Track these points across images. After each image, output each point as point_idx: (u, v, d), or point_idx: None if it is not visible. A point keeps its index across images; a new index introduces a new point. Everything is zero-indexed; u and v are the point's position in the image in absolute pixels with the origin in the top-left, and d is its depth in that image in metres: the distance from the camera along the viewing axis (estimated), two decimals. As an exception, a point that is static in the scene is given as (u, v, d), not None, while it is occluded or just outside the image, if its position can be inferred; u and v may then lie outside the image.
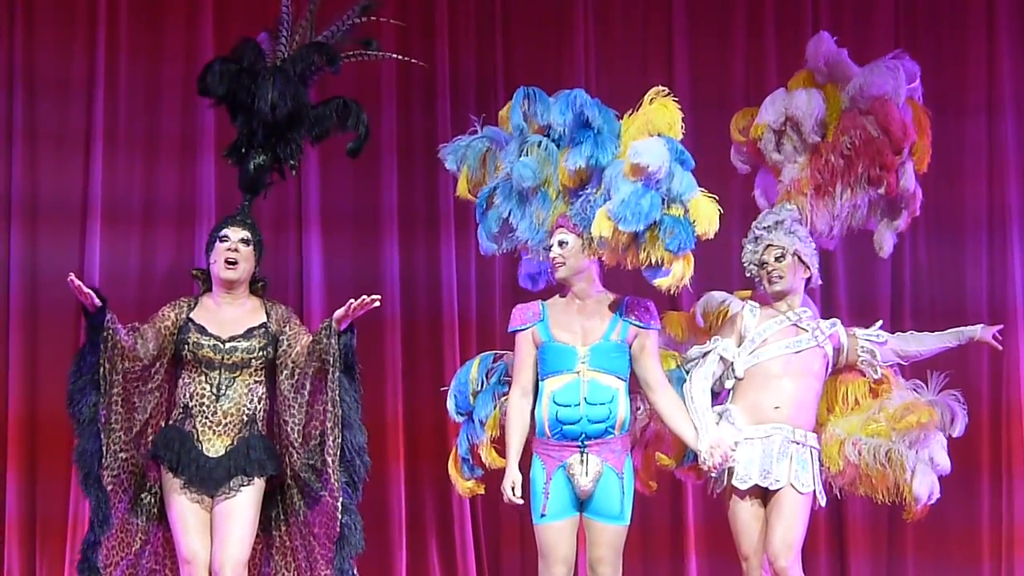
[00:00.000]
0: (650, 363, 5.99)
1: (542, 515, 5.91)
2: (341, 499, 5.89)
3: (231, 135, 6.39)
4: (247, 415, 5.99)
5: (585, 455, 5.87)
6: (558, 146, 6.00)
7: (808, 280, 6.29)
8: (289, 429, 5.98)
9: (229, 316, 6.06)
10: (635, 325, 5.97)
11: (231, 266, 6.05)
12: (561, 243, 5.97)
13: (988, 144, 8.36)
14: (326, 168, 8.02)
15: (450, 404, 6.27)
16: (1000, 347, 6.47)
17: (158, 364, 5.98)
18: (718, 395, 6.20)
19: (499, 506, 7.83)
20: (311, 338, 6.00)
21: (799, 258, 6.21)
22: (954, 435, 6.26)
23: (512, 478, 5.91)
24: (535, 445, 5.99)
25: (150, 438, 5.96)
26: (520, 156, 6.01)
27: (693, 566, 8.10)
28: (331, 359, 5.90)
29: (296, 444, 5.96)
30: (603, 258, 5.92)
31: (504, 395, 6.14)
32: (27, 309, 7.79)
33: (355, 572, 5.95)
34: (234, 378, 5.99)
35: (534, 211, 6.03)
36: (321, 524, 5.97)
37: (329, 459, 5.89)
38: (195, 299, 6.12)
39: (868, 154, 6.33)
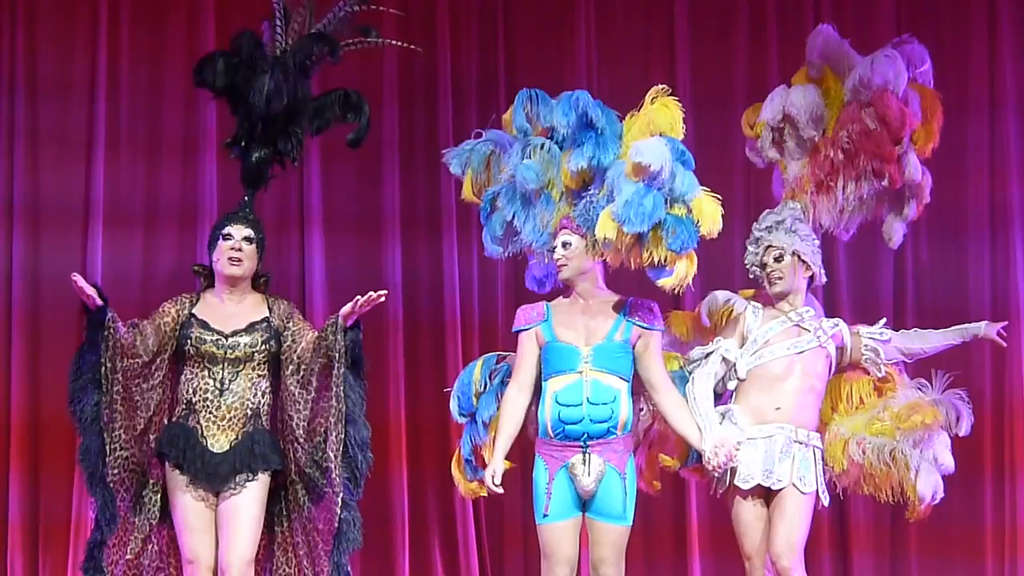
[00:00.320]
0: (654, 364, 5.99)
1: (545, 515, 5.90)
2: (341, 495, 5.88)
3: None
4: (251, 410, 5.98)
5: (587, 455, 5.87)
6: (561, 148, 6.00)
7: (811, 279, 6.28)
8: (294, 425, 5.97)
9: (231, 311, 6.04)
10: (639, 326, 5.96)
11: (235, 264, 6.04)
12: (565, 244, 5.96)
13: (990, 142, 8.37)
14: (328, 168, 8.03)
15: (453, 405, 6.26)
16: (1004, 344, 6.45)
17: (159, 360, 5.96)
18: (721, 396, 6.19)
19: (502, 507, 7.89)
20: (316, 334, 6.00)
21: (799, 257, 6.20)
22: (960, 434, 6.24)
23: (495, 468, 5.90)
24: (537, 445, 5.99)
25: (152, 436, 5.95)
26: (523, 159, 6.01)
27: (696, 566, 8.10)
28: (337, 355, 5.89)
29: (301, 440, 5.95)
30: (607, 259, 5.92)
31: (507, 396, 6.15)
32: (29, 311, 7.80)
33: (348, 569, 5.94)
34: (237, 373, 5.98)
35: (538, 213, 6.03)
36: (324, 520, 5.96)
37: (331, 454, 5.88)
38: (197, 295, 6.11)
39: (867, 147, 6.30)
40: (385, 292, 5.95)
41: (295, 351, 6.00)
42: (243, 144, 6.22)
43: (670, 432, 6.16)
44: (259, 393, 6.01)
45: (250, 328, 6.01)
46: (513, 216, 6.05)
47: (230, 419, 5.96)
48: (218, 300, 6.07)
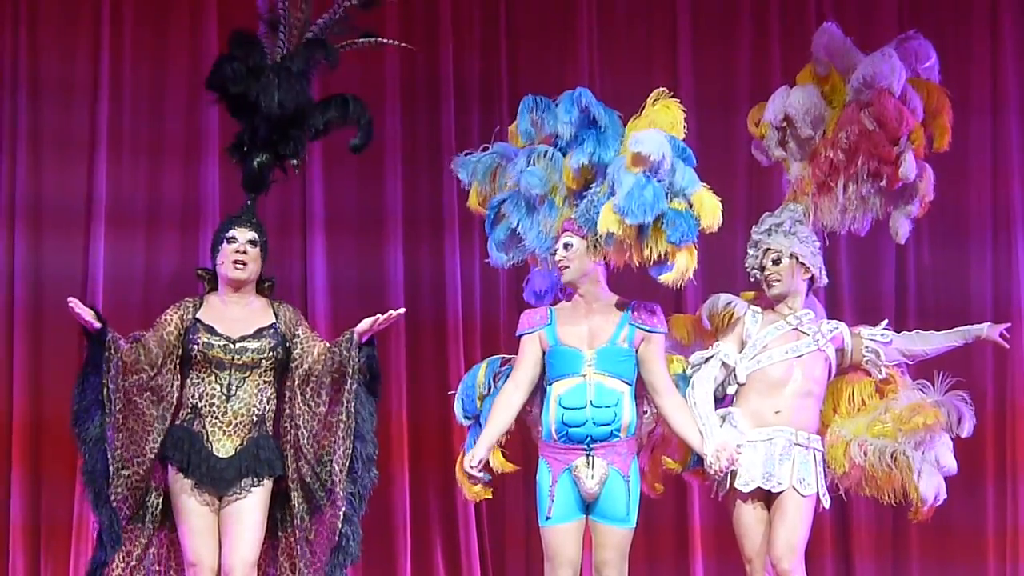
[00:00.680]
0: (656, 367, 5.99)
1: (548, 518, 5.91)
2: (343, 509, 5.88)
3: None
4: (257, 415, 5.98)
5: (591, 458, 5.88)
6: (564, 154, 6.00)
7: (812, 281, 6.28)
8: (299, 434, 5.97)
9: (237, 316, 6.04)
10: (642, 329, 5.97)
11: (240, 267, 6.04)
12: (566, 245, 5.97)
13: (992, 143, 8.37)
14: (330, 172, 8.02)
15: (457, 408, 6.26)
16: (1007, 345, 6.45)
17: (164, 371, 5.95)
18: (721, 400, 6.19)
19: (504, 509, 7.89)
20: (326, 345, 6.01)
21: (797, 260, 6.20)
22: (962, 436, 6.24)
23: (477, 454, 5.90)
24: (541, 448, 6.00)
25: (158, 446, 5.94)
26: (528, 166, 6.01)
27: (698, 568, 8.09)
28: (351, 371, 5.91)
29: (306, 451, 5.95)
30: (609, 258, 5.92)
31: (511, 399, 6.15)
32: (31, 312, 7.79)
33: None
34: (244, 378, 5.98)
35: (542, 220, 6.04)
36: (321, 531, 5.96)
37: (336, 467, 5.89)
38: (200, 299, 6.10)
39: (865, 148, 6.30)
40: (403, 310, 5.98)
41: (306, 362, 6.01)
42: (245, 149, 6.23)
43: (672, 435, 6.16)
44: (265, 399, 6.01)
45: (257, 334, 6.01)
46: (518, 223, 6.05)
47: (236, 424, 5.95)
48: (222, 304, 6.07)
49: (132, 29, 8.00)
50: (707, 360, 6.16)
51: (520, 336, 6.05)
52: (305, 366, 6.01)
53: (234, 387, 5.97)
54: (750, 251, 6.27)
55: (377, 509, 7.25)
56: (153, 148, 7.99)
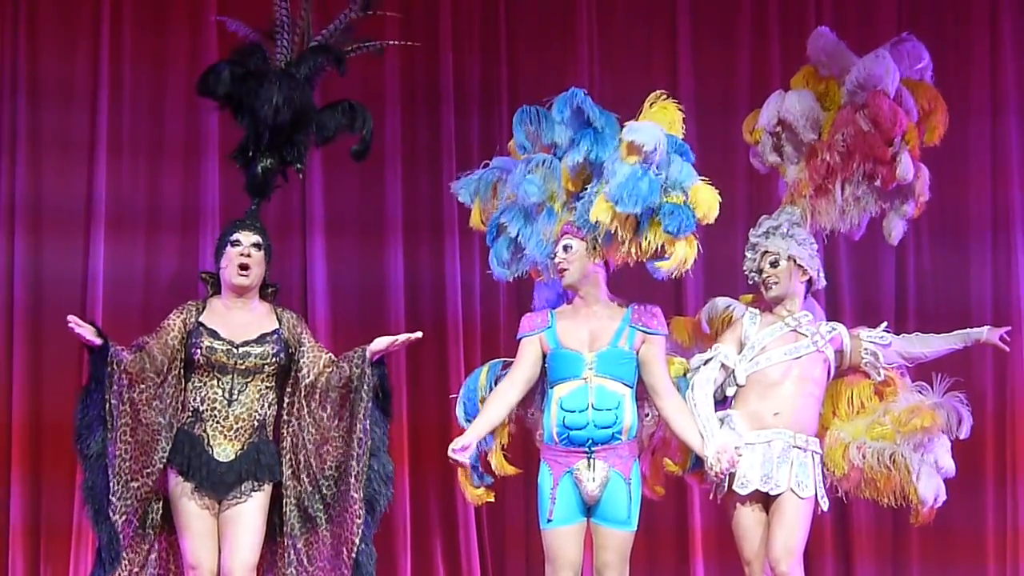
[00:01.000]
0: (657, 369, 5.99)
1: (549, 520, 5.92)
2: (361, 529, 5.88)
3: (235, 139, 6.37)
4: (258, 420, 5.98)
5: (592, 461, 5.88)
6: (561, 160, 6.00)
7: (810, 283, 6.28)
8: (301, 445, 5.98)
9: (240, 320, 6.04)
10: (642, 331, 5.97)
11: (244, 271, 6.04)
12: (566, 248, 5.97)
13: (992, 146, 8.36)
14: (331, 175, 8.01)
15: (459, 411, 6.26)
16: (1007, 348, 6.45)
17: (169, 377, 5.94)
18: (721, 402, 6.19)
19: (504, 511, 7.89)
20: (332, 358, 6.03)
21: (795, 262, 6.20)
22: (960, 437, 6.24)
23: (462, 441, 5.88)
24: (543, 451, 6.00)
25: (165, 455, 5.91)
26: (526, 175, 6.02)
27: (699, 571, 8.09)
28: (365, 389, 5.92)
29: (308, 463, 5.95)
30: (608, 257, 5.92)
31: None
32: (31, 314, 7.79)
33: None
34: (246, 383, 5.98)
35: (541, 228, 6.03)
36: (312, 544, 5.97)
37: (353, 481, 5.89)
38: (203, 302, 6.11)
39: (861, 149, 6.31)
40: (420, 334, 6.03)
41: (311, 373, 6.02)
42: (249, 154, 6.23)
43: (673, 437, 6.16)
44: (266, 404, 6.01)
45: (261, 339, 6.01)
46: (518, 233, 6.05)
47: (237, 429, 5.96)
48: (225, 309, 6.07)
49: (132, 30, 7.99)
50: (706, 362, 6.16)
51: (520, 339, 6.06)
52: (311, 377, 6.02)
53: (236, 392, 5.97)
54: (748, 254, 6.28)
55: (378, 510, 7.26)
56: (153, 150, 7.98)
